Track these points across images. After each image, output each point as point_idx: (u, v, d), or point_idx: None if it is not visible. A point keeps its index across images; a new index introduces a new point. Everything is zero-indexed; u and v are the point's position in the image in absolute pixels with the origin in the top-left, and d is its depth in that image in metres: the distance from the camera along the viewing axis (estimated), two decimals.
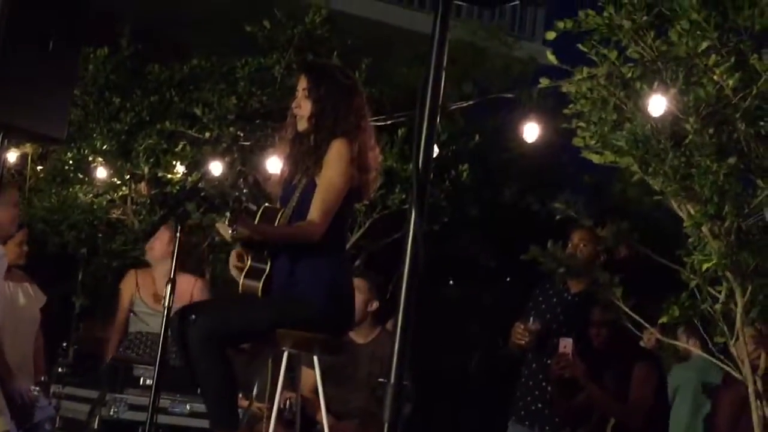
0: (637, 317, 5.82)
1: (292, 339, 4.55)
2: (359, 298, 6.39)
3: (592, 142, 5.70)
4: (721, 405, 6.15)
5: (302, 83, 4.70)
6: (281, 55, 8.83)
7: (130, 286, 6.78)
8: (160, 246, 6.67)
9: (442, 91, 2.59)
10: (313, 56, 8.56)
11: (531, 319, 6.29)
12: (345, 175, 4.54)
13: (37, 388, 6.08)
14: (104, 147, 9.14)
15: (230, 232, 4.36)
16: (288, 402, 5.48)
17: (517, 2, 2.36)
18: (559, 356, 6.03)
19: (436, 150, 7.35)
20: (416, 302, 2.55)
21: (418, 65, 9.28)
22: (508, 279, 9.19)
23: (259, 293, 4.54)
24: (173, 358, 4.81)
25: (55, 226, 9.51)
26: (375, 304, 6.42)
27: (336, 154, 4.54)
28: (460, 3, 2.82)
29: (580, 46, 5.60)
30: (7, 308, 6.42)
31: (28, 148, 9.53)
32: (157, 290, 6.65)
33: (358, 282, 6.41)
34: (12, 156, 9.47)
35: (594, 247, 6.21)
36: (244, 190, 4.21)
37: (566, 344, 6.04)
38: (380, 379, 2.48)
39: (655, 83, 5.33)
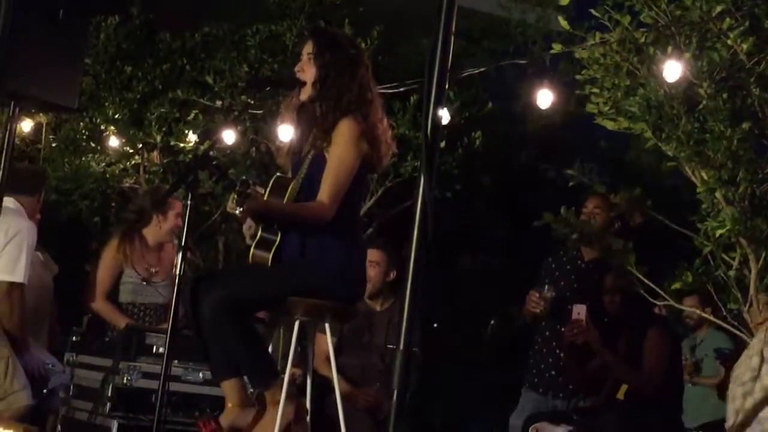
0: (650, 283, 5.81)
1: (303, 306, 4.54)
2: (377, 270, 6.41)
3: (606, 109, 5.67)
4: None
5: (308, 48, 4.66)
6: (292, 22, 8.78)
7: (117, 255, 6.71)
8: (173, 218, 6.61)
9: (450, 58, 2.57)
10: (324, 24, 8.52)
11: (546, 286, 6.28)
12: (354, 153, 4.50)
13: (53, 360, 6.09)
14: (116, 116, 9.14)
15: (238, 211, 4.36)
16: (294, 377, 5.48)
17: None
18: (573, 322, 6.03)
19: (447, 117, 7.36)
20: (426, 269, 2.55)
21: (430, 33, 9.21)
22: (521, 247, 9.17)
23: (269, 263, 4.54)
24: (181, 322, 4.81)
25: (68, 195, 9.52)
26: (393, 274, 6.48)
27: (344, 132, 4.50)
28: None
29: (592, 11, 5.56)
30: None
31: (43, 117, 9.54)
32: (147, 261, 6.61)
33: (376, 253, 6.43)
34: (27, 126, 9.50)
35: (607, 214, 6.19)
36: (251, 171, 4.20)
37: (580, 311, 6.03)
38: (389, 346, 2.49)
39: (669, 48, 5.29)
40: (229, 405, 4.54)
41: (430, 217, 2.55)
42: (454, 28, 2.62)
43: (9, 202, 5.52)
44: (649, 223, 5.89)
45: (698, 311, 6.92)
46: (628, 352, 6.10)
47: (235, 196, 4.35)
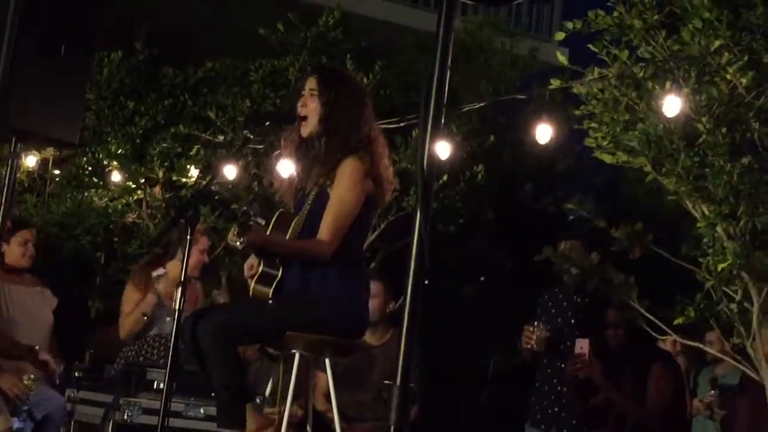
0: (653, 318, 5.79)
1: (303, 341, 4.53)
2: (376, 301, 6.38)
3: (605, 143, 5.67)
4: (739, 411, 6.11)
5: (311, 83, 4.66)
6: (295, 57, 8.82)
7: (137, 286, 6.73)
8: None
9: (446, 91, 2.58)
10: (326, 59, 8.55)
11: (539, 324, 6.27)
12: (357, 193, 4.51)
13: (32, 376, 6.06)
14: (119, 151, 9.16)
15: (238, 243, 4.36)
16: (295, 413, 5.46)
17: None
18: (576, 357, 6.02)
19: (448, 151, 7.38)
20: (422, 303, 2.54)
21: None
22: (524, 279, 9.17)
23: (270, 298, 4.53)
24: (182, 357, 4.80)
25: (70, 230, 9.52)
26: (393, 305, 6.47)
27: (349, 172, 4.50)
28: (466, 1, 2.81)
29: (590, 46, 5.57)
30: (19, 312, 6.44)
31: (48, 153, 9.57)
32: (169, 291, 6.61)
33: (374, 285, 6.42)
34: (32, 161, 9.53)
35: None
36: (253, 203, 4.21)
37: (582, 345, 6.02)
38: (386, 381, 2.47)
39: (668, 83, 5.30)
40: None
41: (427, 250, 2.54)
42: (450, 61, 2.63)
43: None
44: (650, 256, 5.88)
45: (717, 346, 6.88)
46: (633, 387, 6.09)
47: (236, 227, 4.36)
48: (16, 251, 6.48)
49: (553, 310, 6.49)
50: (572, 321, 6.40)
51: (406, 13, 10.92)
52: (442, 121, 2.59)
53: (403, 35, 10.12)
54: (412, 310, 2.49)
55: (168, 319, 6.44)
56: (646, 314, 5.78)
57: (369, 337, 6.40)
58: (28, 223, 6.94)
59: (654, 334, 5.89)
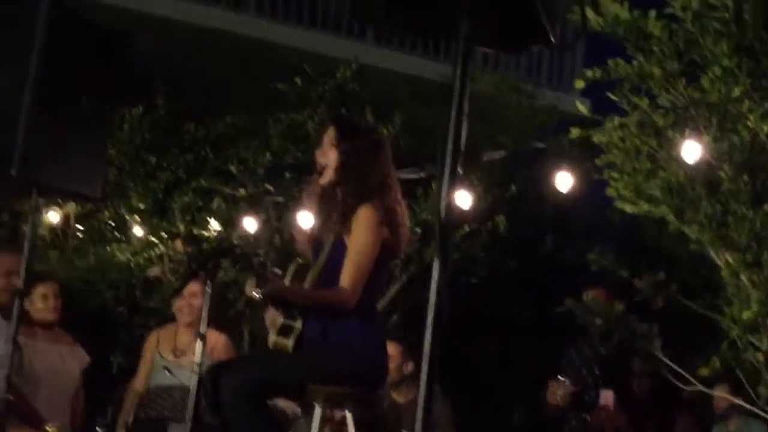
0: (677, 368, 5.74)
1: (323, 394, 4.50)
2: (392, 363, 6.34)
3: (626, 192, 5.65)
4: None
5: (330, 134, 4.70)
6: (313, 110, 8.86)
7: (151, 344, 6.78)
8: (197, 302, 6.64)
9: (463, 141, 2.57)
10: (345, 111, 8.58)
11: (564, 378, 6.22)
12: (374, 240, 4.51)
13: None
14: (141, 206, 9.19)
15: (256, 294, 4.36)
16: None
17: (543, 47, 2.34)
18: (601, 408, 5.97)
19: (468, 201, 7.35)
20: (441, 357, 2.52)
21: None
22: (547, 330, 9.11)
23: (290, 350, 4.51)
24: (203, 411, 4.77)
25: (93, 285, 9.53)
26: (410, 366, 6.40)
27: (364, 219, 4.51)
28: (483, 50, 2.81)
29: (610, 94, 5.57)
30: (43, 369, 6.41)
31: (70, 208, 9.61)
32: (177, 344, 6.63)
33: (390, 346, 6.36)
34: (55, 217, 9.57)
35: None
36: (269, 254, 4.22)
37: (607, 396, 5.98)
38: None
39: (688, 131, 5.28)
40: None
41: (446, 302, 2.52)
42: (467, 112, 2.62)
43: None
44: (673, 305, 5.83)
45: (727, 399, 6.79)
46: None
47: (254, 279, 4.35)
48: (38, 305, 6.47)
49: (577, 362, 6.45)
50: (597, 372, 6.35)
51: (423, 65, 10.96)
52: (460, 170, 2.58)
53: (424, 86, 10.16)
54: (431, 361, 2.47)
55: (166, 371, 6.48)
56: (670, 364, 5.73)
57: (395, 395, 6.36)
58: (47, 277, 6.94)
59: (678, 383, 5.83)
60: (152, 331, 6.93)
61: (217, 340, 6.66)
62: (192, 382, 4.54)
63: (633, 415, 6.02)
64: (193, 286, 6.61)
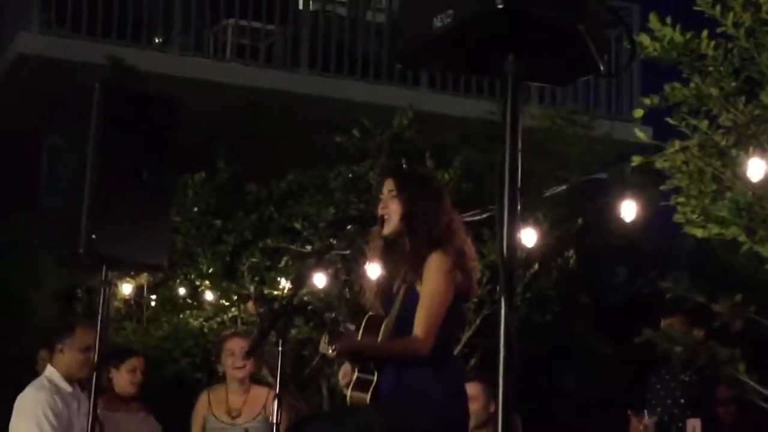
0: (765, 391, 5.62)
1: None
2: (476, 404, 6.27)
3: (694, 216, 5.57)
4: None
5: (388, 185, 4.69)
6: (374, 161, 8.86)
7: (202, 406, 6.81)
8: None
9: (519, 177, 2.55)
10: (405, 159, 8.58)
11: (645, 412, 6.11)
12: (447, 286, 4.48)
13: None
14: (210, 270, 9.24)
15: (330, 351, 4.35)
16: None
17: (593, 77, 2.32)
18: None
19: (534, 238, 7.29)
20: (518, 394, 2.48)
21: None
22: (626, 364, 8.99)
23: (367, 403, 4.48)
24: None
25: (169, 353, 9.58)
26: (494, 406, 6.32)
27: (437, 266, 4.48)
28: (533, 84, 2.80)
29: (669, 119, 5.51)
30: None
31: (143, 279, 9.70)
32: (230, 405, 6.66)
33: (472, 386, 6.30)
34: (128, 288, 9.67)
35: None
36: (341, 309, 4.20)
37: (695, 425, 5.87)
38: None
39: (751, 149, 5.20)
40: None
41: (516, 339, 2.49)
42: (522, 148, 2.60)
43: None
44: (753, 328, 5.72)
45: None
46: None
47: (327, 335, 4.34)
48: (125, 378, 6.61)
49: (662, 392, 6.36)
50: (681, 401, 6.24)
51: (475, 105, 10.94)
52: (519, 207, 2.55)
53: (479, 127, 10.14)
54: (505, 404, 2.43)
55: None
56: (757, 387, 5.61)
57: None
58: (136, 351, 7.09)
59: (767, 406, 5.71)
60: (202, 394, 6.93)
61: (269, 395, 6.71)
62: None
63: None
64: (242, 343, 6.67)
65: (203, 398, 6.84)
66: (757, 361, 5.79)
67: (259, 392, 6.72)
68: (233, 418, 6.64)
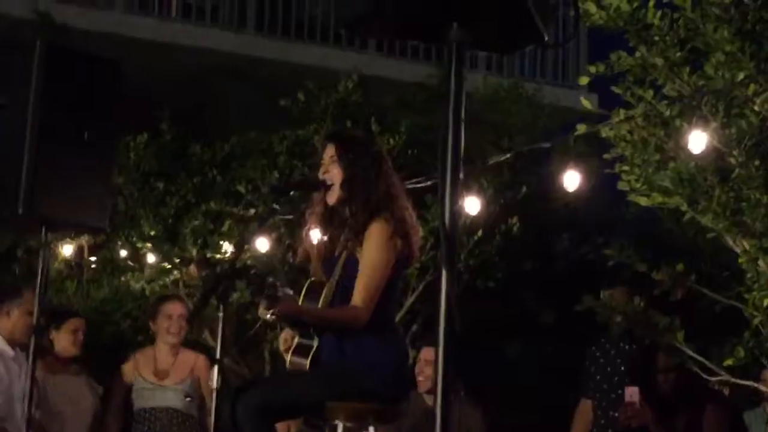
0: (702, 360, 5.68)
1: (344, 411, 4.45)
2: (431, 368, 6.29)
3: (638, 185, 5.60)
4: None
5: (329, 151, 4.67)
6: (319, 125, 8.82)
7: (129, 368, 6.78)
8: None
9: (462, 145, 2.53)
10: (350, 123, 8.54)
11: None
12: (387, 254, 4.47)
13: None
14: (152, 233, 9.16)
15: (269, 315, 4.32)
16: None
17: (536, 46, 2.29)
18: (627, 405, 5.91)
19: (478, 205, 7.30)
20: (462, 361, 2.48)
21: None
22: (570, 330, 9.05)
23: (306, 369, 4.47)
24: None
25: (110, 315, 9.51)
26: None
27: (376, 234, 4.47)
28: (475, 51, 2.77)
29: (614, 88, 5.52)
30: (63, 403, 6.43)
31: (83, 240, 9.59)
32: (157, 366, 6.65)
33: (430, 351, 6.30)
34: (68, 249, 9.56)
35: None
36: (278, 274, 4.17)
37: (632, 393, 5.92)
38: None
39: (694, 119, 5.23)
40: None
41: (456, 309, 2.47)
42: (466, 116, 2.58)
43: None
44: (693, 296, 5.77)
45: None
46: (687, 431, 5.96)
47: (265, 300, 4.31)
48: (66, 339, 6.55)
49: (602, 360, 6.40)
50: (621, 369, 6.29)
51: (424, 70, 10.90)
52: (461, 175, 2.53)
53: (427, 93, 10.12)
54: (444, 374, 2.42)
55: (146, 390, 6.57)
56: (695, 356, 5.67)
57: (430, 400, 6.30)
58: (77, 312, 7.02)
59: (705, 375, 5.77)
60: (129, 357, 6.92)
61: (197, 359, 6.71)
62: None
63: (660, 411, 5.95)
64: (180, 308, 6.66)
65: (130, 361, 6.82)
66: (695, 330, 5.85)
67: (188, 356, 6.75)
68: (161, 379, 6.63)
